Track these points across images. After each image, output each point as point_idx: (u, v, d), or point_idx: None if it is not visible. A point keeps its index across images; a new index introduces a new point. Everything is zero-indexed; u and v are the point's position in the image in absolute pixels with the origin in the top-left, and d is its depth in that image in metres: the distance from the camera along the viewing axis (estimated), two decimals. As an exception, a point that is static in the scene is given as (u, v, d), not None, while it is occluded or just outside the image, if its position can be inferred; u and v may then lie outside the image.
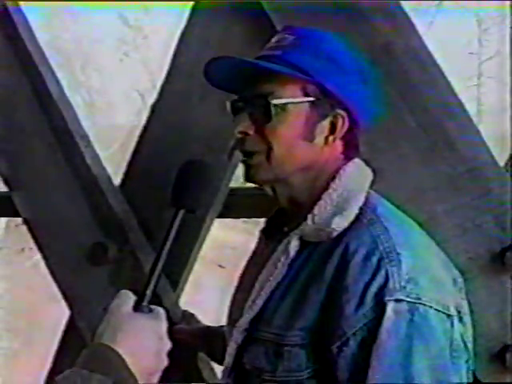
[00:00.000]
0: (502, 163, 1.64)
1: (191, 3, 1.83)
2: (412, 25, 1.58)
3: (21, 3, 2.01)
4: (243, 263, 1.49)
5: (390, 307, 1.14)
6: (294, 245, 1.25)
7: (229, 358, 1.31)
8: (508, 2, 1.97)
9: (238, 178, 1.95)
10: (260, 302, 1.27)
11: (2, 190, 2.10)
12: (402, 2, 1.60)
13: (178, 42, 1.84)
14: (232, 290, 1.47)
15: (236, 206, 1.88)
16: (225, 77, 1.31)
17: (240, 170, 1.90)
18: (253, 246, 1.48)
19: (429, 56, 1.57)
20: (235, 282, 1.48)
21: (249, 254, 1.49)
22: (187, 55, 1.82)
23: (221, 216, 1.89)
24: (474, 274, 1.49)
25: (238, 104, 1.31)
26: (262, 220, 1.47)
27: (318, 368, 1.20)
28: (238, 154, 1.82)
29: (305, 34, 1.29)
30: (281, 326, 1.23)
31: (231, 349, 1.31)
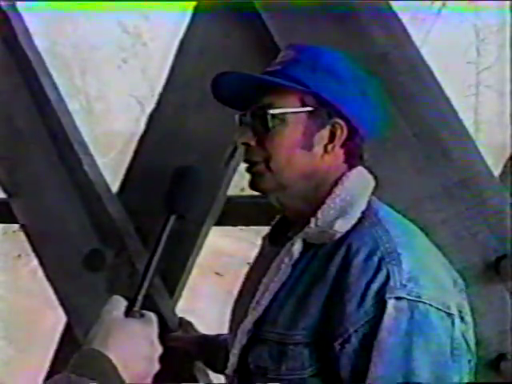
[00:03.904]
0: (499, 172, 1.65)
1: (190, 11, 1.84)
2: (408, 35, 1.60)
3: (20, 8, 2.02)
4: (240, 271, 1.50)
5: (391, 304, 1.16)
6: (297, 246, 1.28)
7: (233, 359, 1.33)
8: (507, 6, 1.98)
9: (235, 186, 1.96)
10: (264, 303, 1.29)
11: (0, 197, 2.10)
12: (400, 12, 1.61)
13: (177, 50, 1.84)
14: (229, 297, 1.48)
15: (233, 214, 1.89)
16: (231, 92, 1.36)
17: (237, 178, 1.91)
18: (250, 253, 1.49)
19: (425, 66, 1.58)
20: (233, 290, 1.49)
21: (245, 261, 1.49)
22: (186, 64, 1.83)
23: (218, 224, 1.89)
24: (469, 283, 1.49)
25: (244, 117, 1.35)
26: (260, 228, 1.48)
27: (320, 366, 1.22)
28: (235, 163, 1.84)
29: (304, 49, 1.34)
30: (284, 326, 1.25)
31: (236, 349, 1.32)
